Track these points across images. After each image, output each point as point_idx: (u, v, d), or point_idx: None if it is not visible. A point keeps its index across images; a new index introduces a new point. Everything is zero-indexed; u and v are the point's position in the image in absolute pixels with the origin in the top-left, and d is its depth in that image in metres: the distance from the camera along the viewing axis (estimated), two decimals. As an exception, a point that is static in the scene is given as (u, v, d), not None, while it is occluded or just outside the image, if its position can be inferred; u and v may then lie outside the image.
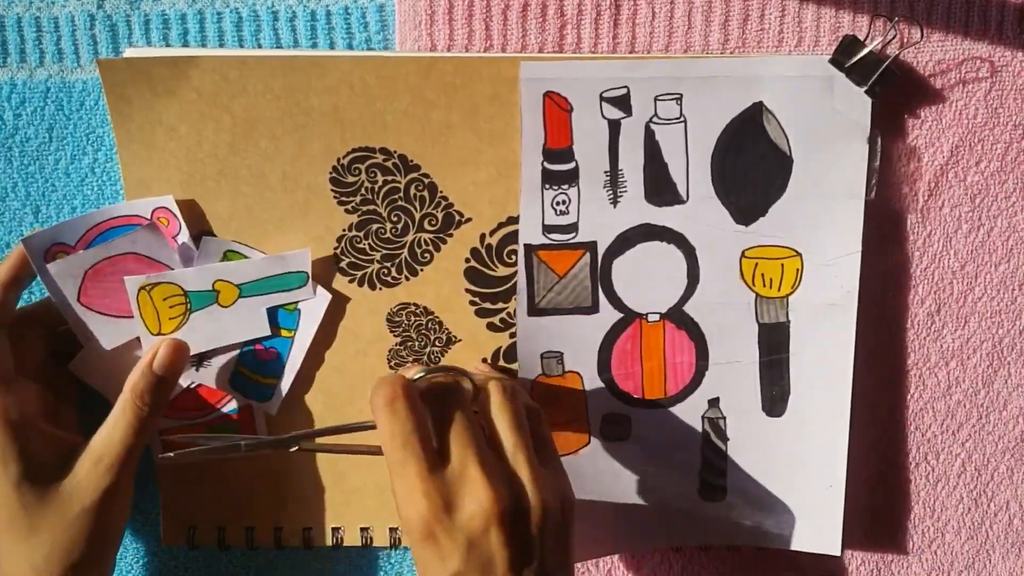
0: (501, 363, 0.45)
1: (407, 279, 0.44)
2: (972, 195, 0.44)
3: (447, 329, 0.45)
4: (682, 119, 0.42)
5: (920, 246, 0.45)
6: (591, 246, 0.44)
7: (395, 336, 0.45)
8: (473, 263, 0.44)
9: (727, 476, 0.46)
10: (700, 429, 0.45)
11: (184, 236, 0.43)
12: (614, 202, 0.43)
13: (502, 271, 0.44)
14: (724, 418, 0.45)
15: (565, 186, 0.43)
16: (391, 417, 0.36)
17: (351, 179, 0.43)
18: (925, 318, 0.45)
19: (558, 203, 0.43)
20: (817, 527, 0.45)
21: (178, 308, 0.43)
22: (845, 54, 0.41)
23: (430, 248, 0.44)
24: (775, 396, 0.45)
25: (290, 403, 0.45)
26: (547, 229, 0.43)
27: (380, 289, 0.44)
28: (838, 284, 0.44)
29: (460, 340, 0.45)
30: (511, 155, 0.43)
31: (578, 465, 0.45)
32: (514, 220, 0.44)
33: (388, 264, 0.44)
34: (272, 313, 0.44)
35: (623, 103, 0.42)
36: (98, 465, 0.39)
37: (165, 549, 0.48)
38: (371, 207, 0.43)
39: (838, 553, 0.45)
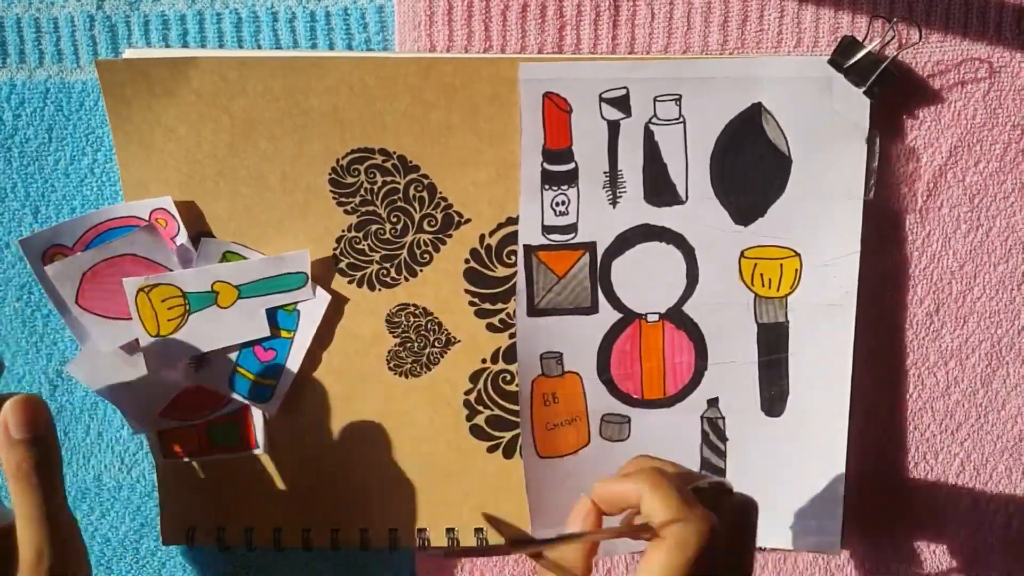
0: (501, 363, 0.45)
1: (406, 280, 0.44)
2: (971, 195, 0.44)
3: (446, 330, 0.45)
4: (681, 120, 0.42)
5: (919, 246, 0.45)
6: (590, 246, 0.44)
7: (394, 337, 0.45)
8: (472, 264, 0.44)
9: (726, 476, 0.46)
10: (699, 429, 0.45)
11: (183, 237, 0.43)
12: (613, 203, 0.43)
13: (501, 272, 0.44)
14: (723, 418, 0.45)
15: (564, 187, 0.43)
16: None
17: (350, 180, 0.43)
18: (924, 318, 0.45)
19: (557, 204, 0.43)
20: (817, 527, 0.45)
21: (177, 310, 0.43)
22: (844, 55, 0.41)
23: (429, 249, 0.44)
24: (774, 396, 0.45)
25: (289, 404, 0.45)
26: (546, 230, 0.43)
27: (379, 290, 0.44)
28: (837, 284, 0.44)
29: (459, 341, 0.45)
30: (510, 156, 0.43)
31: (578, 465, 0.45)
32: (513, 221, 0.44)
33: (387, 265, 0.44)
34: (271, 314, 0.44)
35: (622, 104, 0.42)
36: (39, 567, 0.33)
37: (165, 549, 0.48)
38: (370, 208, 0.43)
39: (838, 553, 0.45)
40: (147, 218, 0.43)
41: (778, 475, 0.46)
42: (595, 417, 0.45)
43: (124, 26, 0.44)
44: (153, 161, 0.43)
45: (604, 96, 0.42)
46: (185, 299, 0.43)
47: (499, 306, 0.45)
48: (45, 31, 0.44)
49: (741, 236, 0.44)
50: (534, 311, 0.44)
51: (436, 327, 0.45)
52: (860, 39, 0.42)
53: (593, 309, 0.44)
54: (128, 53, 0.43)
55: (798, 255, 0.44)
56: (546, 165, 0.43)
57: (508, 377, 0.45)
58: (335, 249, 0.44)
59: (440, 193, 0.43)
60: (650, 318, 0.44)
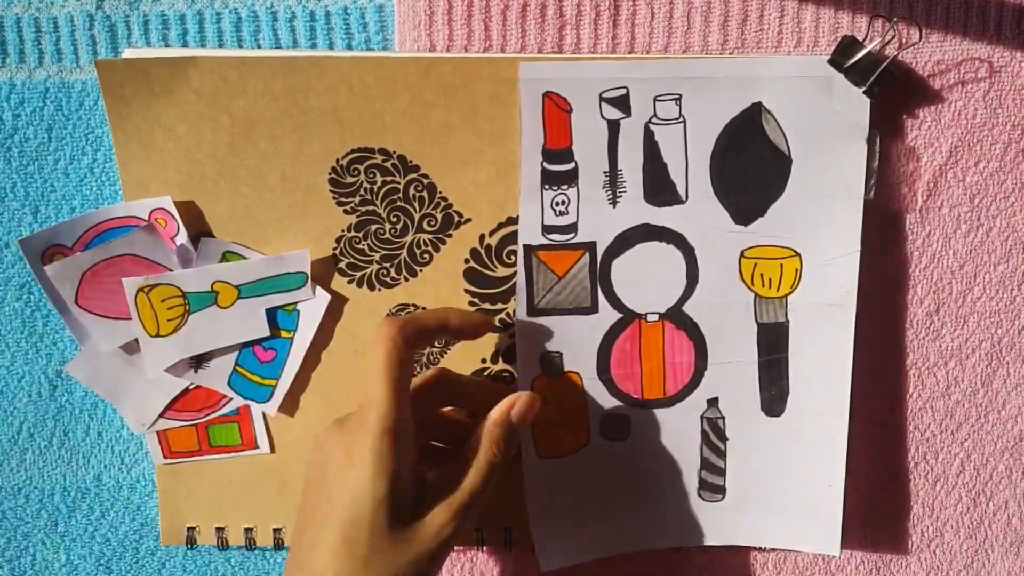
0: (501, 363, 0.45)
1: (406, 280, 0.44)
2: (971, 195, 0.44)
3: (446, 329, 0.45)
4: (681, 119, 0.42)
5: (919, 246, 0.45)
6: (590, 246, 0.44)
7: (394, 337, 0.45)
8: (472, 263, 0.44)
9: (726, 476, 0.46)
10: (699, 429, 0.45)
11: (182, 237, 0.43)
12: (613, 202, 0.43)
13: (501, 271, 0.44)
14: (723, 418, 0.45)
15: (564, 186, 0.43)
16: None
17: (350, 180, 0.43)
18: (924, 318, 0.45)
19: (557, 203, 0.43)
20: (816, 527, 0.45)
21: (177, 310, 0.43)
22: (844, 55, 0.41)
23: (429, 249, 0.44)
24: (774, 396, 0.45)
25: (289, 404, 0.45)
26: (546, 229, 0.43)
27: (379, 290, 0.44)
28: (837, 284, 0.44)
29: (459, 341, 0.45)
30: (510, 155, 0.43)
31: (578, 465, 0.45)
32: (513, 220, 0.44)
33: (387, 265, 0.44)
34: (271, 314, 0.44)
35: (622, 103, 0.42)
36: (450, 510, 0.38)
37: (165, 549, 0.48)
38: (370, 208, 0.43)
39: (837, 553, 0.45)
40: (147, 218, 0.43)
41: (778, 475, 0.46)
42: (595, 417, 0.45)
43: (124, 26, 0.44)
44: (153, 161, 0.43)
45: (604, 96, 0.42)
46: (185, 299, 0.43)
47: (499, 306, 0.45)
48: (45, 31, 0.44)
49: (741, 236, 0.44)
50: (534, 311, 0.44)
51: (436, 327, 0.45)
52: (860, 39, 0.42)
53: (593, 309, 0.44)
54: (128, 53, 0.43)
55: (798, 255, 0.44)
56: (546, 165, 0.43)
57: (508, 377, 0.45)
58: (335, 249, 0.44)
59: (440, 193, 0.43)
60: (650, 318, 0.44)
